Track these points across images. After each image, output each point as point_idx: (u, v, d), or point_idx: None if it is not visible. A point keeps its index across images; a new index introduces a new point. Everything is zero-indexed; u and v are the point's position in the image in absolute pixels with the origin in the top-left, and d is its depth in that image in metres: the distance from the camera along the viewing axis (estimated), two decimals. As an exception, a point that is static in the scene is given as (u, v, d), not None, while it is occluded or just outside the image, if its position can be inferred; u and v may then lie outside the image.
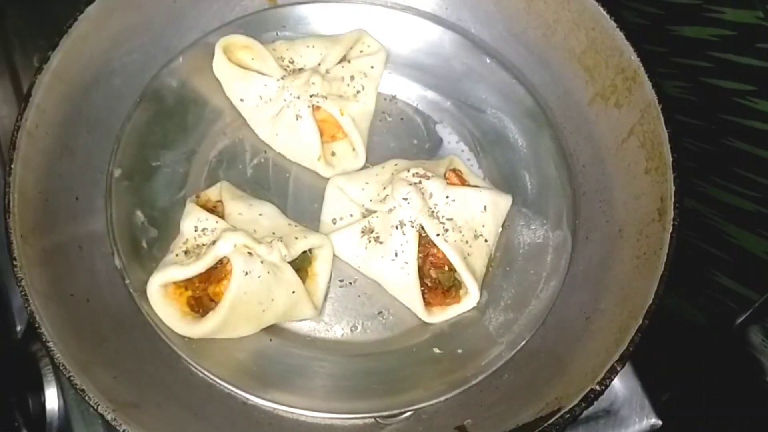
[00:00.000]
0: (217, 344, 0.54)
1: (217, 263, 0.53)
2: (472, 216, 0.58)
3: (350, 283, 0.60)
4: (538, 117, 0.65)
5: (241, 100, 0.64)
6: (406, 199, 0.56)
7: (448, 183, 0.59)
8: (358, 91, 0.64)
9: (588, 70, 0.63)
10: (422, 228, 0.57)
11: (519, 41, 0.66)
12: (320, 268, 0.58)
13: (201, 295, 0.54)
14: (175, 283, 0.54)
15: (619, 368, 0.49)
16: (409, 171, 0.58)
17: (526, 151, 0.65)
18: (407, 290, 0.57)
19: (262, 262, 0.53)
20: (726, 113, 0.62)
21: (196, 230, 0.55)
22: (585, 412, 0.49)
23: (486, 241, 0.59)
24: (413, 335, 0.58)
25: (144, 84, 0.62)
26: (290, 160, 0.64)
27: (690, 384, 0.70)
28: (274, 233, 0.56)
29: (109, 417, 0.45)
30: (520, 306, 0.58)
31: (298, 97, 0.61)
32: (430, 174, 0.58)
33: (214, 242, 0.53)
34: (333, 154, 0.64)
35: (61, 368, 0.46)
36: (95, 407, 0.45)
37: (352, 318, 0.58)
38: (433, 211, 0.57)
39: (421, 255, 0.57)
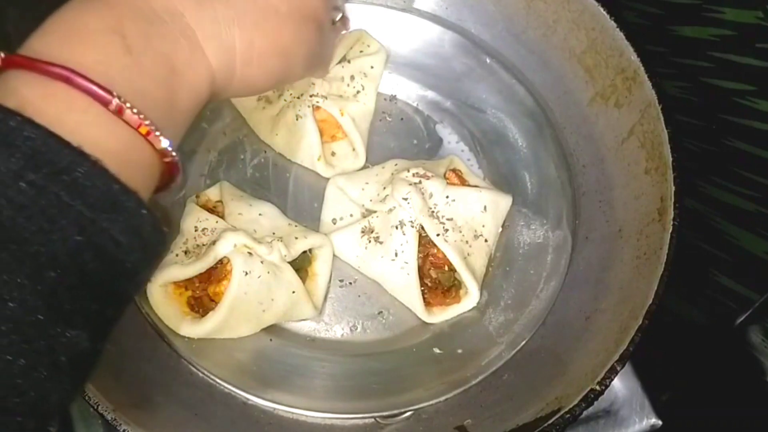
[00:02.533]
0: (217, 344, 0.54)
1: (217, 263, 0.53)
2: (472, 216, 0.58)
3: (350, 283, 0.60)
4: (538, 117, 0.65)
5: (241, 99, 0.64)
6: (406, 199, 0.56)
7: (448, 183, 0.59)
8: (358, 91, 0.64)
9: (588, 70, 0.63)
10: (422, 228, 0.57)
11: (519, 41, 0.66)
12: (320, 268, 0.58)
13: (201, 295, 0.54)
14: (175, 283, 0.54)
15: (619, 368, 0.49)
16: (409, 171, 0.58)
17: (526, 151, 0.65)
18: (407, 290, 0.57)
19: (262, 262, 0.53)
20: (726, 113, 0.62)
21: (196, 230, 0.55)
22: (585, 412, 0.49)
23: (486, 241, 0.59)
24: (413, 335, 0.58)
25: (144, 84, 0.62)
26: (290, 160, 0.64)
27: (690, 384, 0.70)
28: (274, 233, 0.56)
29: (109, 417, 0.45)
30: (520, 306, 0.58)
31: (298, 97, 0.61)
32: (430, 174, 0.58)
33: (214, 242, 0.53)
34: (333, 154, 0.64)
35: (61, 368, 0.46)
36: (95, 407, 0.45)
37: (352, 318, 0.58)
38: (433, 211, 0.57)
39: (421, 255, 0.57)
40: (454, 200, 0.58)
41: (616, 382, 0.59)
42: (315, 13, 0.41)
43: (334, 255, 0.58)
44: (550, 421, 0.48)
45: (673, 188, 0.54)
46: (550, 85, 0.65)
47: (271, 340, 0.56)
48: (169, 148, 0.32)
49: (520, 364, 0.55)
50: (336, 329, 0.58)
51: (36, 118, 0.27)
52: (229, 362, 0.54)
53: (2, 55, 0.30)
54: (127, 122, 0.30)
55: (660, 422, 0.59)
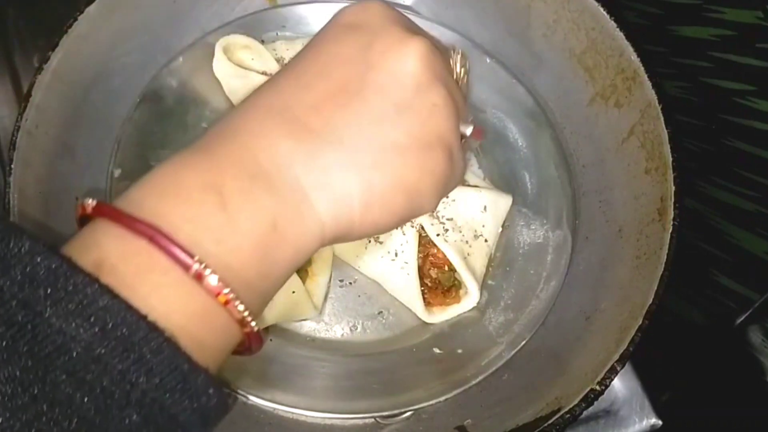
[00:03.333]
0: (217, 344, 0.54)
1: (217, 263, 0.53)
2: (472, 216, 0.58)
3: (350, 283, 0.60)
4: (538, 117, 0.65)
5: (239, 96, 0.64)
6: (406, 199, 0.56)
7: (448, 183, 0.59)
8: (358, 91, 0.64)
9: (588, 70, 0.63)
10: (422, 228, 0.57)
11: (519, 41, 0.66)
12: (320, 268, 0.58)
13: (201, 295, 0.54)
14: (175, 283, 0.54)
15: (619, 368, 0.49)
16: (409, 171, 0.58)
17: (526, 151, 0.65)
18: (407, 290, 0.57)
19: (262, 262, 0.53)
20: (726, 113, 0.62)
21: (196, 230, 0.55)
22: (585, 412, 0.49)
23: (486, 241, 0.59)
24: (413, 335, 0.58)
25: (144, 84, 0.62)
26: (290, 160, 0.64)
27: (690, 384, 0.70)
28: (274, 233, 0.56)
29: (109, 417, 0.45)
30: (520, 306, 0.58)
31: (298, 97, 0.61)
32: (430, 174, 0.58)
33: (214, 242, 0.53)
34: (333, 154, 0.64)
35: (61, 368, 0.46)
36: (95, 407, 0.45)
37: (352, 318, 0.58)
38: (433, 211, 0.57)
39: (421, 255, 0.57)
40: (454, 200, 0.58)
41: (616, 382, 0.59)
42: (441, 138, 0.36)
43: (334, 255, 0.58)
44: (550, 421, 0.48)
45: (673, 188, 0.54)
46: (550, 85, 0.65)
47: (271, 340, 0.56)
48: (249, 319, 0.30)
49: (520, 364, 0.55)
50: (336, 329, 0.58)
51: (112, 277, 0.26)
52: (229, 362, 0.54)
53: (94, 202, 0.29)
54: (206, 289, 0.28)
55: (660, 422, 0.59)
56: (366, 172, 0.33)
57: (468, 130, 0.41)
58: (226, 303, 0.29)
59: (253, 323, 0.31)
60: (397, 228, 0.44)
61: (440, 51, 0.38)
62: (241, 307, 0.30)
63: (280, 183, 0.31)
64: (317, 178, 0.32)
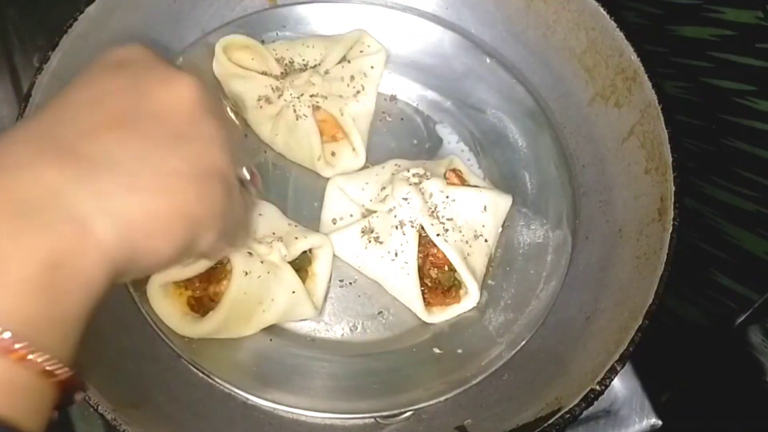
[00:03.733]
0: (217, 344, 0.54)
1: (217, 263, 0.53)
2: (472, 216, 0.58)
3: (350, 283, 0.60)
4: (538, 117, 0.65)
5: (242, 97, 0.64)
6: (406, 199, 0.56)
7: (448, 183, 0.59)
8: (358, 91, 0.64)
9: (588, 70, 0.63)
10: (422, 228, 0.57)
11: (519, 41, 0.66)
12: (320, 268, 0.58)
13: (201, 295, 0.54)
14: (175, 283, 0.54)
15: (619, 368, 0.49)
16: (409, 171, 0.58)
17: (526, 151, 0.65)
18: (407, 290, 0.57)
19: (262, 262, 0.53)
20: (726, 113, 0.62)
21: (196, 230, 0.55)
22: (585, 412, 0.49)
23: (486, 241, 0.59)
24: (413, 335, 0.58)
25: (144, 84, 0.62)
26: (290, 160, 0.64)
27: (690, 384, 0.70)
28: (273, 233, 0.56)
29: (109, 417, 0.45)
30: (520, 306, 0.58)
31: (299, 97, 0.61)
32: (429, 174, 0.58)
33: (214, 242, 0.53)
34: (333, 154, 0.64)
35: (61, 368, 0.46)
36: (95, 407, 0.45)
37: (352, 318, 0.58)
38: (433, 211, 0.57)
39: (421, 255, 0.57)
40: (454, 200, 0.58)
41: (616, 382, 0.59)
42: (220, 170, 0.36)
43: (334, 255, 0.58)
44: (550, 421, 0.48)
45: (673, 188, 0.54)
46: (550, 85, 0.65)
47: (271, 340, 0.56)
48: (53, 367, 0.28)
49: (520, 364, 0.55)
50: (336, 329, 0.58)
51: None
52: (229, 362, 0.54)
53: None
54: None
55: (660, 422, 0.59)
56: (146, 197, 0.32)
57: (245, 175, 0.42)
58: (22, 358, 0.27)
59: (60, 370, 0.29)
60: (177, 262, 0.43)
61: (210, 90, 0.38)
62: (42, 358, 0.28)
63: (52, 215, 0.29)
64: (93, 204, 0.30)
